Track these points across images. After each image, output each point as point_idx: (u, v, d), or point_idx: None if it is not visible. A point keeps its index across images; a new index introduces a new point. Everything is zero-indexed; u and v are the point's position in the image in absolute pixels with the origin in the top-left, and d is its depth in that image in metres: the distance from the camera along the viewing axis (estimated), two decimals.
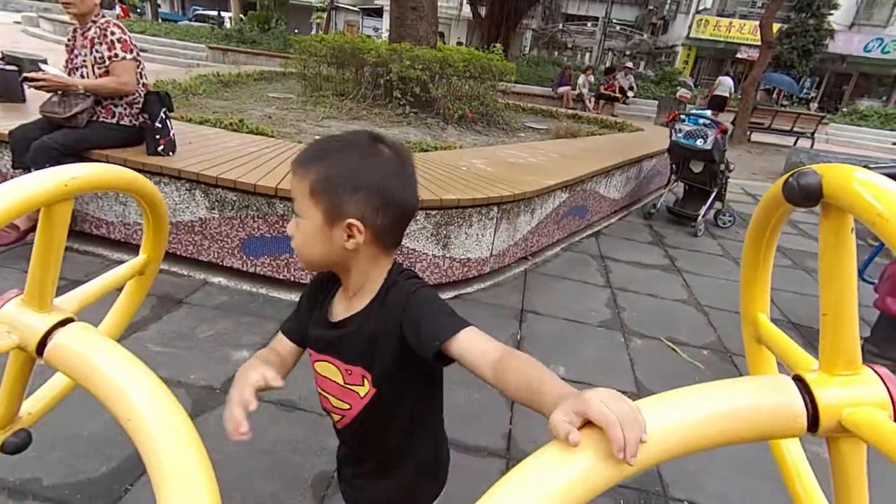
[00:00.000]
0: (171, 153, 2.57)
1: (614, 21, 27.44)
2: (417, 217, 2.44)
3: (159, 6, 21.64)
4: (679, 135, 4.29)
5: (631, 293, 3.15)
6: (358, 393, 0.76)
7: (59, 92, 2.40)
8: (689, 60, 23.62)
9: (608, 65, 17.81)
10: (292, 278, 2.50)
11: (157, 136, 2.51)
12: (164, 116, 2.54)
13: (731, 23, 22.06)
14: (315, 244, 0.70)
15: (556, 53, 23.80)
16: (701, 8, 22.88)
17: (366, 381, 0.74)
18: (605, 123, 6.96)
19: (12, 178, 2.20)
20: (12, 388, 0.77)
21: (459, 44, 17.03)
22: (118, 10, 16.43)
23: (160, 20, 18.52)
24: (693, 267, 3.73)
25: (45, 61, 3.04)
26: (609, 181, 4.19)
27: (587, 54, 28.23)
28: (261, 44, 13.35)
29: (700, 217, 4.36)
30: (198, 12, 27.03)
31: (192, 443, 0.51)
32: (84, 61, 2.44)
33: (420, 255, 2.56)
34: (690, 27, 22.74)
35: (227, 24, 18.93)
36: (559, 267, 3.41)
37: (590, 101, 12.11)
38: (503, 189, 2.77)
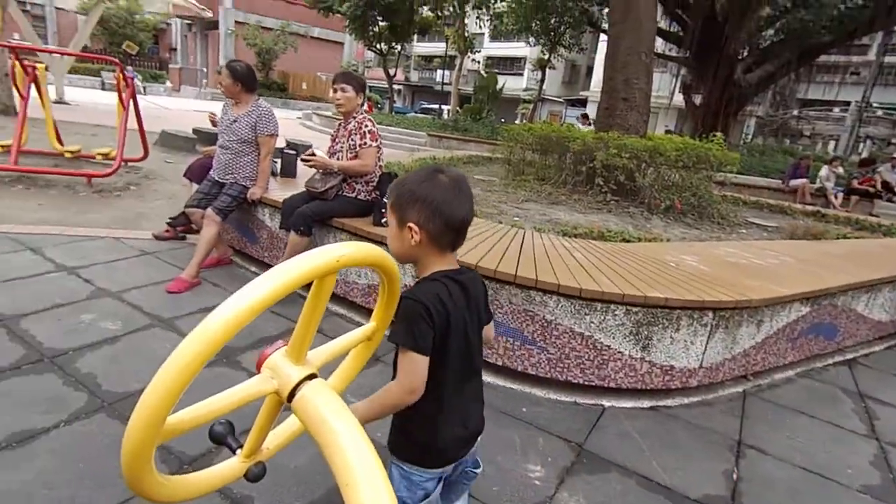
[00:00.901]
0: None
1: (874, 105, 23.67)
2: (615, 311, 2.35)
3: (395, 102, 26.27)
4: None
5: None
6: None
7: (321, 170, 3.07)
8: None
9: (864, 155, 15.22)
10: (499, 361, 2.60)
11: (384, 210, 2.97)
12: None
13: None
14: (395, 242, 1.10)
15: (788, 142, 21.37)
16: None
17: None
18: (863, 225, 5.87)
19: (278, 235, 2.78)
20: (262, 426, 0.94)
21: (668, 132, 16.56)
22: (365, 105, 20.45)
23: (394, 113, 22.38)
24: None
25: (310, 146, 3.93)
26: (873, 298, 3.45)
27: (831, 143, 24.70)
28: (472, 132, 15.00)
29: None
30: (423, 106, 31.96)
31: None
32: (341, 147, 3.09)
33: (614, 352, 2.43)
34: None
35: (445, 115, 21.90)
36: (794, 396, 2.85)
37: (836, 197, 10.41)
38: (721, 293, 2.50)
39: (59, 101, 12.68)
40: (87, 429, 1.90)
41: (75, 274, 3.22)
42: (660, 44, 12.50)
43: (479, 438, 1.23)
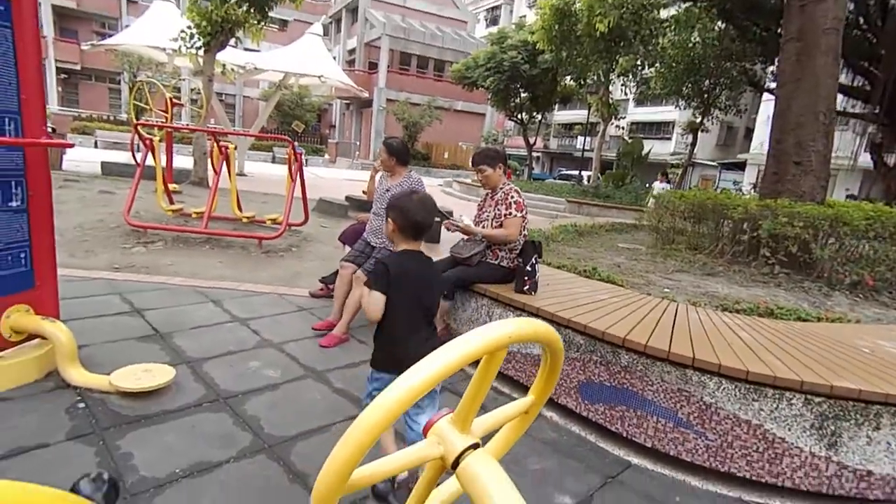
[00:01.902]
0: (533, 293, 3.07)
1: None
2: (791, 399, 2.10)
3: (533, 169, 27.04)
4: None
5: None
6: None
7: (466, 237, 3.29)
8: None
9: None
10: (625, 433, 2.47)
11: (526, 278, 3.06)
12: (534, 262, 3.09)
13: None
14: (386, 229, 1.92)
15: None
16: None
17: None
18: None
19: None
20: (424, 491, 1.02)
21: (850, 197, 14.55)
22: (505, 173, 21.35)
23: (532, 179, 22.98)
24: None
25: (450, 212, 4.23)
26: None
27: None
28: (614, 198, 14.74)
29: None
30: (562, 172, 32.34)
31: None
32: (488, 216, 3.30)
33: (789, 447, 2.14)
34: None
35: (585, 182, 21.90)
36: None
37: None
38: None
39: (240, 174, 15.24)
40: (250, 468, 2.17)
41: (246, 325, 3.77)
42: (840, 99, 11.36)
43: None
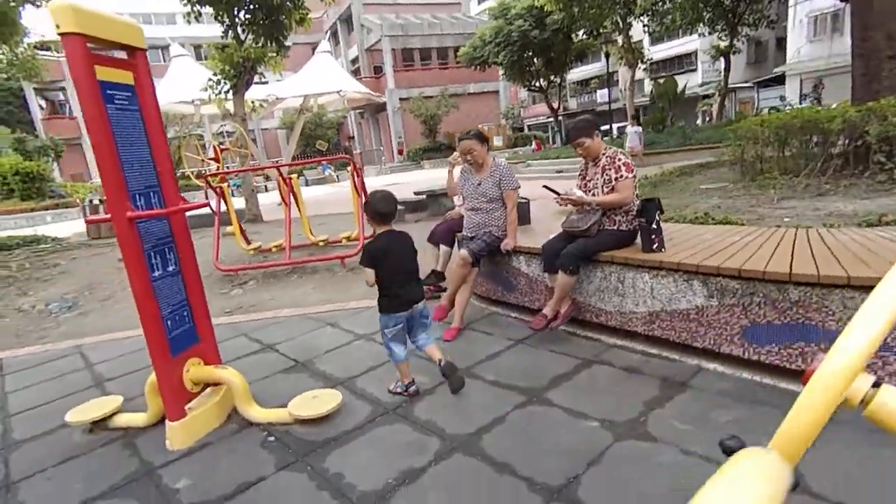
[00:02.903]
0: (663, 249, 3.05)
1: None
2: None
3: (562, 134, 26.62)
4: None
5: None
6: None
7: (577, 210, 3.30)
8: None
9: None
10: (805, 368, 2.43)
11: (653, 236, 3.04)
12: (657, 219, 3.07)
13: None
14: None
15: None
16: None
17: None
18: None
19: (536, 280, 2.97)
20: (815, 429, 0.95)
21: None
22: (534, 144, 21.20)
23: (564, 144, 22.61)
24: None
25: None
26: None
27: None
28: (660, 142, 14.32)
29: None
30: None
31: None
32: (595, 184, 3.29)
33: None
34: None
35: (615, 133, 21.43)
36: None
37: None
38: None
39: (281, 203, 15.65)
40: (454, 466, 2.26)
41: (371, 340, 3.89)
42: None
43: (419, 303, 2.83)
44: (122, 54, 2.62)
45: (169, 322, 2.67)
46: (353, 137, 41.53)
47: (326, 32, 38.20)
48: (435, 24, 35.87)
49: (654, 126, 16.86)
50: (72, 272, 7.40)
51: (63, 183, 27.62)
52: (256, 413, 2.80)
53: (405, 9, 37.60)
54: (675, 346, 2.96)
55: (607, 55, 20.08)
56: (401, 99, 33.05)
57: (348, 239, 7.01)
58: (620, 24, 16.20)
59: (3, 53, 10.87)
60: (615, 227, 3.25)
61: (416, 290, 2.80)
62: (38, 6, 9.97)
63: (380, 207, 2.72)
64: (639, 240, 3.18)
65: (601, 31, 18.31)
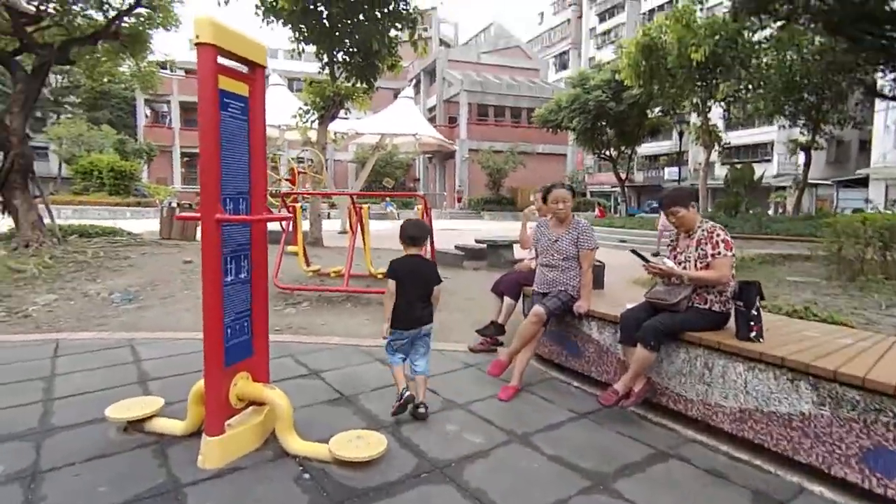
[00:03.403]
0: (761, 339, 2.69)
1: None
2: None
3: (627, 204, 26.23)
4: None
5: None
6: None
7: (664, 281, 3.00)
8: None
9: None
10: None
11: (752, 323, 2.69)
12: (758, 305, 2.73)
13: None
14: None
15: None
16: None
17: None
18: None
19: (608, 349, 2.65)
20: None
21: None
22: (597, 210, 20.83)
23: (628, 215, 22.18)
24: None
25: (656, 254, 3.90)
26: None
27: None
28: (733, 227, 13.72)
29: None
30: (653, 205, 31.06)
31: None
32: (687, 257, 3.00)
33: None
34: None
35: None
36: None
37: None
38: None
39: (343, 231, 15.85)
40: None
41: None
42: None
43: (425, 326, 3.07)
44: (242, 68, 2.66)
45: (229, 330, 2.54)
46: (418, 179, 42.52)
47: (410, 81, 39.95)
48: (513, 86, 36.86)
49: (726, 210, 16.24)
50: (139, 267, 7.61)
51: (148, 184, 29.52)
52: (296, 444, 2.58)
53: (486, 69, 38.96)
54: (770, 454, 2.54)
55: (681, 134, 19.84)
56: (470, 150, 33.73)
57: None
58: (700, 105, 15.99)
59: (129, 67, 11.93)
60: (706, 307, 2.92)
61: (424, 313, 3.07)
62: (168, 30, 10.91)
63: (411, 232, 3.11)
64: (732, 324, 2.83)
65: (677, 110, 18.17)
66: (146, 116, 39.33)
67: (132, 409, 2.81)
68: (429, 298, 3.07)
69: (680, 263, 3.04)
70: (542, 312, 3.44)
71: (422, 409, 3.02)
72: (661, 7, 42.38)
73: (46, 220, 8.86)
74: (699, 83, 15.20)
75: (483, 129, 35.38)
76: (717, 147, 17.47)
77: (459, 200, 33.56)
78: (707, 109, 16.47)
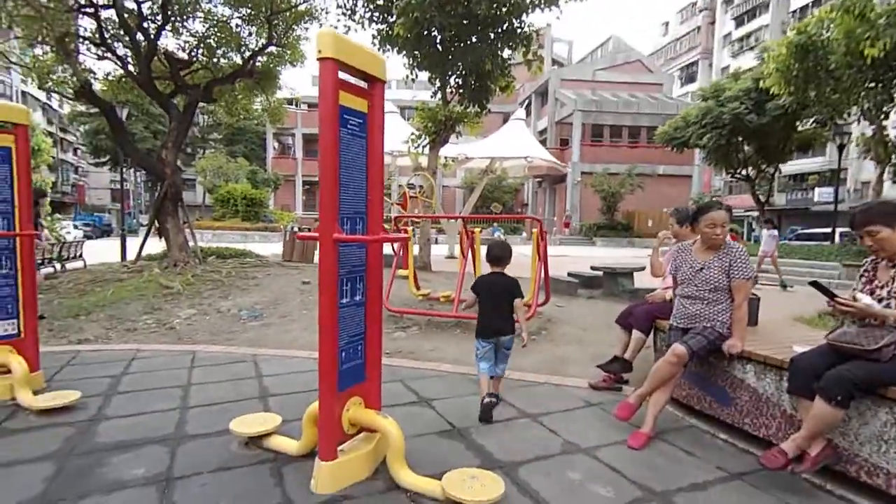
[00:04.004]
0: None
1: None
2: None
3: (753, 230, 23.70)
4: None
5: None
6: None
7: (856, 321, 2.50)
8: None
9: None
10: None
11: None
12: None
13: None
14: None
15: None
16: None
17: None
18: None
19: (767, 399, 2.17)
20: None
21: None
22: (729, 238, 18.91)
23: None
24: None
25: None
26: None
27: None
28: None
29: None
30: (798, 232, 27.81)
31: None
32: (892, 293, 2.48)
33: None
34: None
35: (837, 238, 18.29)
36: None
37: None
38: None
39: (451, 257, 16.00)
40: None
41: (539, 422, 3.40)
42: None
43: (502, 336, 3.47)
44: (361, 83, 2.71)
45: (343, 353, 2.53)
46: (526, 204, 42.20)
47: (521, 104, 40.12)
48: (632, 103, 35.43)
49: None
50: (265, 286, 8.22)
51: (274, 211, 32.47)
52: (408, 477, 2.49)
53: (603, 86, 37.92)
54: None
55: (840, 148, 17.51)
56: (583, 173, 32.78)
57: None
58: (873, 111, 13.77)
59: (261, 102, 13.33)
60: None
61: (502, 325, 3.46)
62: (294, 66, 12.02)
63: (495, 252, 3.54)
64: None
65: (838, 119, 16.00)
66: (274, 149, 43.55)
67: (253, 424, 2.94)
68: (508, 312, 3.47)
69: (881, 300, 2.52)
70: (683, 352, 3.06)
71: (492, 399, 3.44)
72: (814, 3, 38.34)
73: (191, 243, 9.99)
74: (873, 84, 13.14)
75: (597, 150, 34.28)
76: (892, 161, 15.07)
77: (567, 226, 32.57)
78: (883, 116, 14.22)
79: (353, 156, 2.54)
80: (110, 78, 11.37)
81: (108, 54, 9.63)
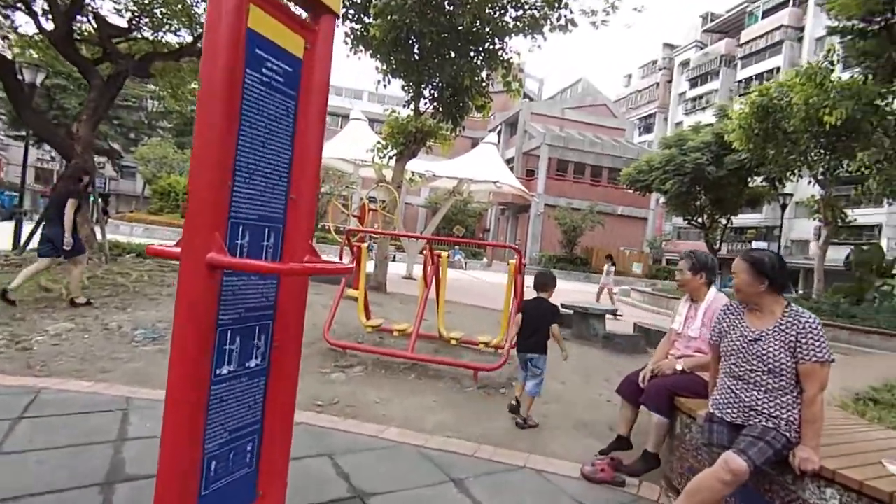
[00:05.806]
0: None
1: None
2: None
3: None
4: None
5: None
6: None
7: None
8: None
9: None
10: None
11: None
12: None
13: None
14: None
15: None
16: None
17: None
18: None
19: None
20: None
21: None
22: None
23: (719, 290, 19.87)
24: None
25: None
26: None
27: None
28: (863, 318, 11.53)
29: None
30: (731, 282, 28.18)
31: None
32: None
33: None
34: None
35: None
36: None
37: None
38: None
39: (408, 277, 14.83)
40: None
41: None
42: None
43: (531, 354, 3.88)
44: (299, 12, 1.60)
45: (214, 464, 1.37)
46: (488, 230, 41.58)
47: (491, 131, 39.80)
48: (596, 143, 35.66)
49: (848, 296, 13.84)
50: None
51: None
52: None
53: (570, 124, 38.15)
54: None
55: (783, 206, 17.92)
56: (546, 205, 32.49)
57: (486, 345, 5.55)
58: (826, 175, 14.02)
59: None
60: None
61: (534, 344, 3.86)
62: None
63: (541, 280, 4.08)
64: None
65: (786, 180, 16.34)
66: None
67: None
68: (543, 333, 3.85)
69: None
70: (743, 469, 2.04)
71: (519, 421, 3.83)
72: (758, 76, 40.73)
73: (100, 237, 8.37)
74: (825, 151, 13.47)
75: (561, 184, 34.16)
76: (838, 223, 15.30)
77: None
78: (831, 181, 14.49)
79: (269, 123, 1.43)
80: (20, 33, 9.75)
81: (19, 3, 8.08)
